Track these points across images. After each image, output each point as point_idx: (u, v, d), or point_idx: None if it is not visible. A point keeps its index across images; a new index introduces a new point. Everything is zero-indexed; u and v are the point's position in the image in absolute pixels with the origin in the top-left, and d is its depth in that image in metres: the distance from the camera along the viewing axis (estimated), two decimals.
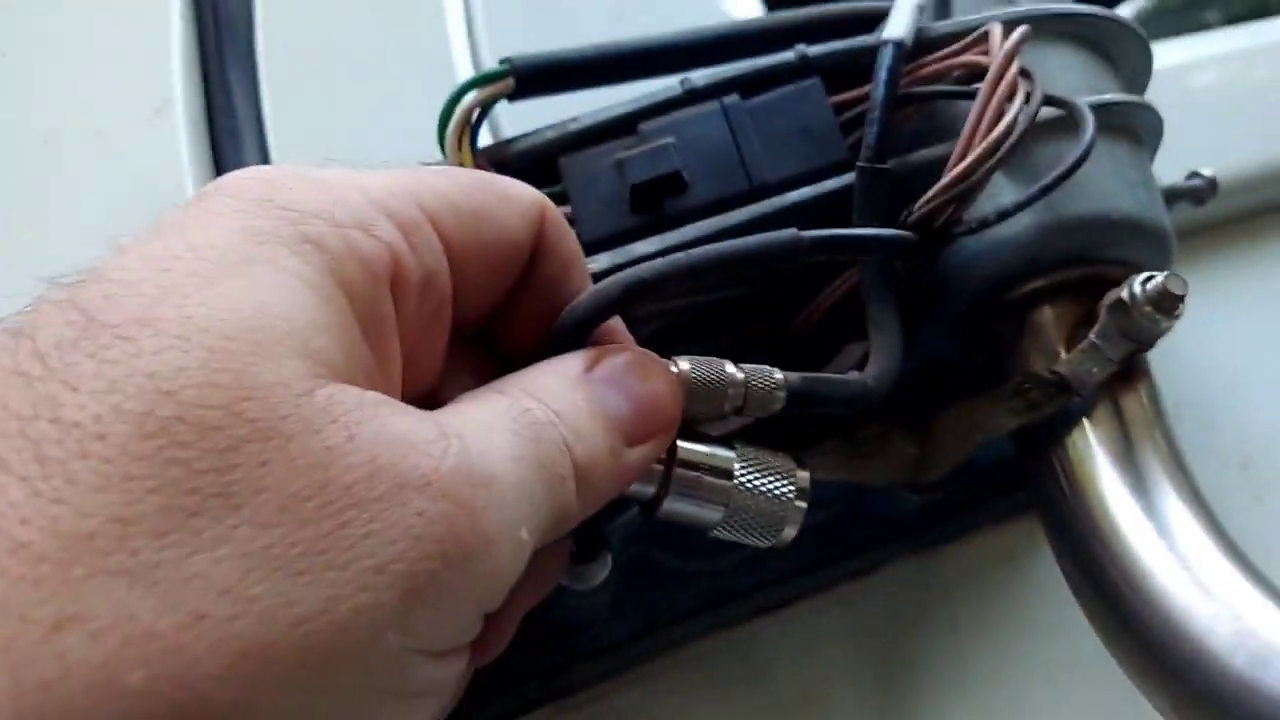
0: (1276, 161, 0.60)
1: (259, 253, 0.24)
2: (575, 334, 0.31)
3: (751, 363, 0.34)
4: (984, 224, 0.36)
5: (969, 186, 0.36)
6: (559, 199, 0.43)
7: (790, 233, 0.33)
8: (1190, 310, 0.49)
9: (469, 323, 0.32)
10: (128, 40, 0.54)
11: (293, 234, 0.25)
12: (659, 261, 0.32)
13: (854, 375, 0.36)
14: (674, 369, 0.32)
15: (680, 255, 0.32)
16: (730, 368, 0.33)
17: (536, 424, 0.27)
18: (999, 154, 0.35)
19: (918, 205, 0.37)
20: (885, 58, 0.39)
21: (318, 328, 0.24)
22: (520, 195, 0.31)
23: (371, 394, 0.24)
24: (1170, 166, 0.55)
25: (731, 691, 0.46)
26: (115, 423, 0.21)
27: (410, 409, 0.25)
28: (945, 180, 0.36)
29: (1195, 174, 0.52)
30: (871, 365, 0.37)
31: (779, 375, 0.34)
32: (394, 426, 0.24)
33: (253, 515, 0.21)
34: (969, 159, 0.35)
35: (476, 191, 0.30)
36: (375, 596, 0.22)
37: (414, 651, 0.24)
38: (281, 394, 0.22)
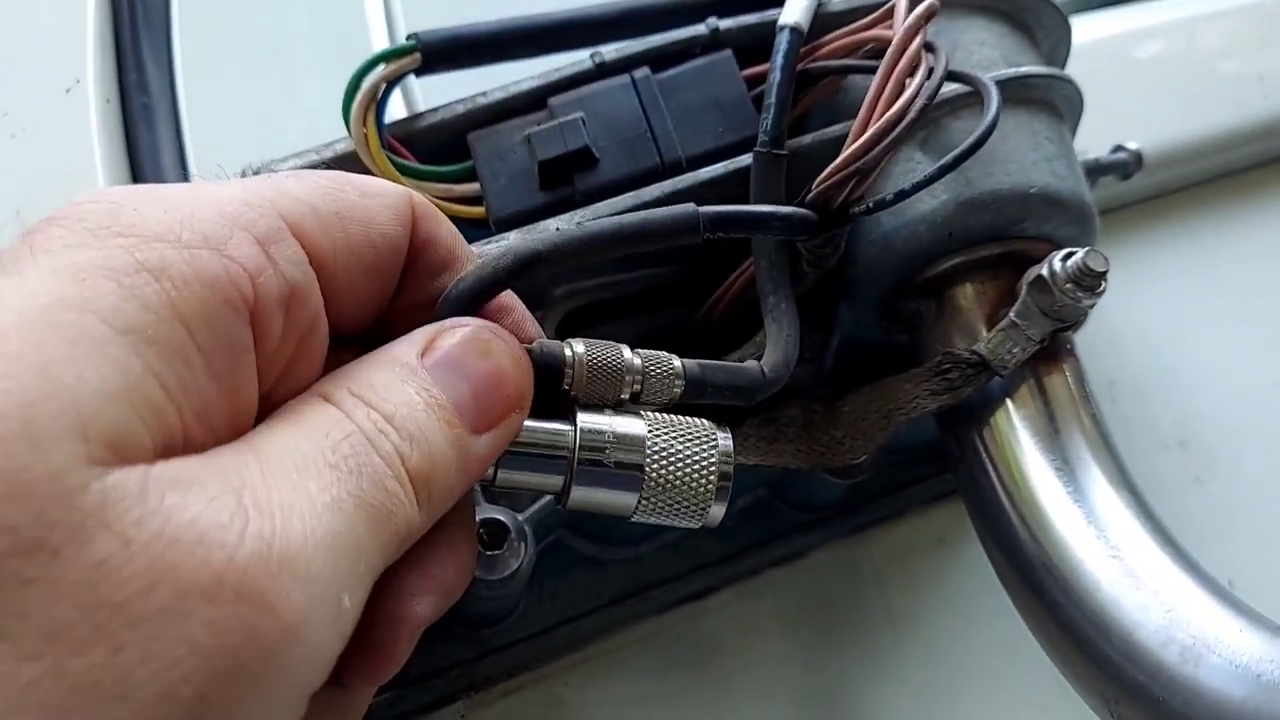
0: (1213, 132, 0.59)
1: (73, 295, 0.22)
2: (463, 307, 0.30)
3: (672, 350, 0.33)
4: (881, 205, 0.35)
5: (865, 164, 0.35)
6: (468, 175, 0.42)
7: (689, 208, 0.32)
8: (1124, 288, 0.48)
9: (354, 325, 0.30)
10: (41, 17, 0.53)
11: (127, 263, 0.23)
12: (555, 233, 0.31)
13: (751, 363, 0.35)
14: (568, 351, 0.31)
15: (577, 229, 0.31)
16: (628, 353, 0.32)
17: (358, 450, 0.24)
18: (895, 131, 0.34)
19: (815, 184, 0.36)
20: (781, 44, 0.38)
21: (107, 395, 0.21)
22: (383, 190, 0.29)
23: (161, 472, 0.21)
24: (1111, 138, 0.54)
25: (652, 683, 0.45)
26: None
27: (207, 482, 0.22)
28: (840, 158, 0.35)
29: (1120, 147, 0.51)
30: (768, 355, 0.36)
31: (677, 362, 0.32)
32: (180, 518, 0.21)
33: (14, 648, 0.19)
34: (865, 136, 0.34)
35: (336, 191, 0.28)
36: None
37: None
38: (50, 493, 0.20)
